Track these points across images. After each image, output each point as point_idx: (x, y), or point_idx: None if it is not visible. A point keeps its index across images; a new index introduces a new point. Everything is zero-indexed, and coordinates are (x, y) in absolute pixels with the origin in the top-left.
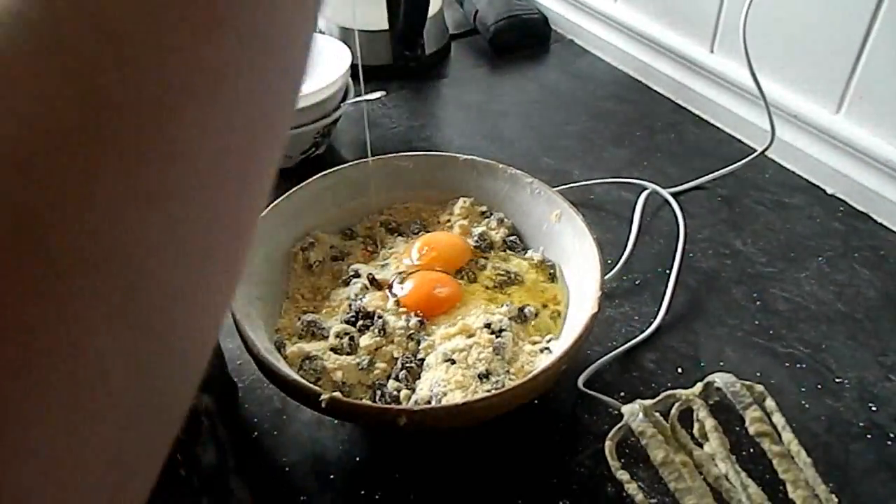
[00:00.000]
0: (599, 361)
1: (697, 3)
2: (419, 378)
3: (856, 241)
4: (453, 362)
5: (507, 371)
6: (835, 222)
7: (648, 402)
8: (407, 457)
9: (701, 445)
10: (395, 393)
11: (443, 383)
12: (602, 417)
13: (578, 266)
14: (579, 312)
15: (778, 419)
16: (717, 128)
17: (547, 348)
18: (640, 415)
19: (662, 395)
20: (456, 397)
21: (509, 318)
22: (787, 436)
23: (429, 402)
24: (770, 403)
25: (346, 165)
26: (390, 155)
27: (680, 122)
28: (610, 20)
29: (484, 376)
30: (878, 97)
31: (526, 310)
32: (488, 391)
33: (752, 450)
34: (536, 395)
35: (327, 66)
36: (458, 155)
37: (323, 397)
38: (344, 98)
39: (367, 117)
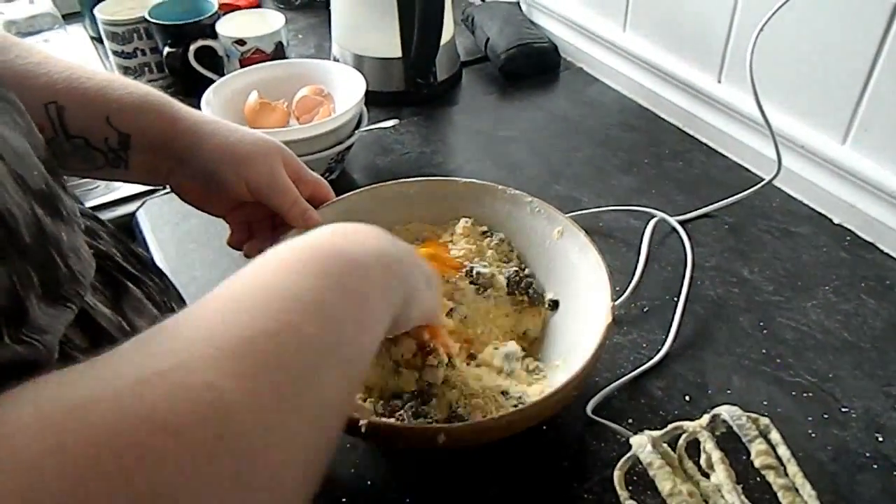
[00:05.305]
0: (608, 388)
1: (705, 33)
2: (430, 402)
3: (862, 271)
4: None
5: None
6: (841, 252)
7: (656, 433)
8: (418, 480)
9: (708, 476)
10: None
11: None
12: (610, 444)
13: (586, 288)
14: (590, 337)
15: (783, 451)
16: (725, 157)
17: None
18: (649, 446)
19: (670, 427)
20: (476, 417)
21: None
22: (792, 468)
23: (449, 422)
24: (775, 436)
25: (351, 193)
26: (392, 182)
27: (688, 150)
28: (619, 49)
29: (504, 393)
30: (883, 128)
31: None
32: (514, 406)
33: (758, 478)
34: (560, 410)
35: (342, 94)
36: (457, 179)
37: (362, 422)
38: (358, 125)
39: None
